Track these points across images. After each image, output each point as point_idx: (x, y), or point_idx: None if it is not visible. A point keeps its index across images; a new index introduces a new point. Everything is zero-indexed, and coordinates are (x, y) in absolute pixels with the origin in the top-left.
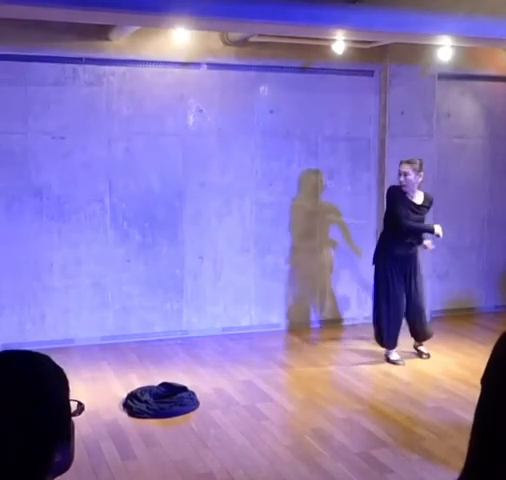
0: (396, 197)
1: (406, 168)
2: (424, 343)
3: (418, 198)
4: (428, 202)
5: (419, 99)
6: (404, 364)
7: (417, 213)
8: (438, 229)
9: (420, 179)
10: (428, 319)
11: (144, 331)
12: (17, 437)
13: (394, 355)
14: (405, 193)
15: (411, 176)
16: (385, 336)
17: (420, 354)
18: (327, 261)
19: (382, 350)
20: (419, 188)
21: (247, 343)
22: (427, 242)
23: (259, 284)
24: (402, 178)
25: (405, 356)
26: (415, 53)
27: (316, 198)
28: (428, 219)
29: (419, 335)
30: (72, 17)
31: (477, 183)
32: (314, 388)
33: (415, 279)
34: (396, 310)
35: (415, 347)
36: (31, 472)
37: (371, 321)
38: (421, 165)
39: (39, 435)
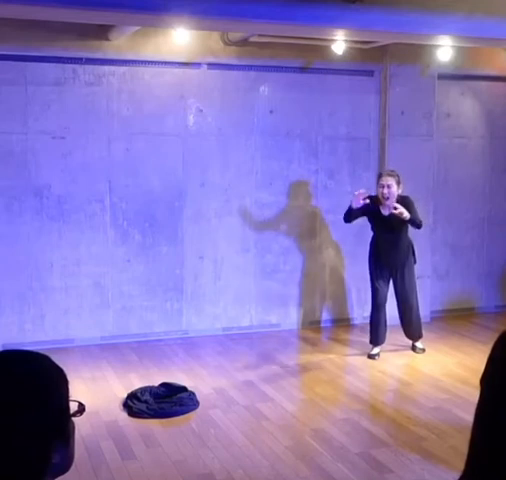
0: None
1: (390, 180)
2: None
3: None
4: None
5: (419, 99)
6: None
7: (386, 222)
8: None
9: (400, 191)
10: (418, 318)
11: (144, 331)
12: (15, 437)
13: (373, 350)
14: (377, 205)
15: (394, 188)
16: (369, 332)
17: (414, 348)
18: (327, 261)
19: (382, 351)
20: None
21: (247, 343)
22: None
23: (259, 284)
24: (386, 190)
25: (401, 352)
26: (415, 53)
27: (316, 198)
28: (422, 213)
29: (407, 333)
30: (72, 17)
31: (477, 183)
32: (314, 388)
33: (402, 279)
34: (375, 307)
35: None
36: (28, 473)
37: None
38: (399, 177)
39: (37, 435)
